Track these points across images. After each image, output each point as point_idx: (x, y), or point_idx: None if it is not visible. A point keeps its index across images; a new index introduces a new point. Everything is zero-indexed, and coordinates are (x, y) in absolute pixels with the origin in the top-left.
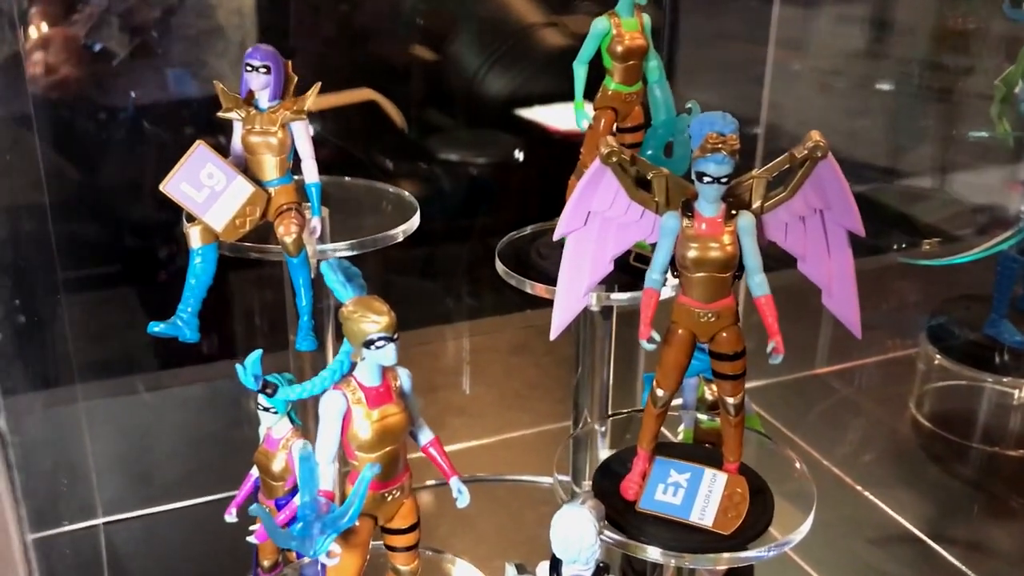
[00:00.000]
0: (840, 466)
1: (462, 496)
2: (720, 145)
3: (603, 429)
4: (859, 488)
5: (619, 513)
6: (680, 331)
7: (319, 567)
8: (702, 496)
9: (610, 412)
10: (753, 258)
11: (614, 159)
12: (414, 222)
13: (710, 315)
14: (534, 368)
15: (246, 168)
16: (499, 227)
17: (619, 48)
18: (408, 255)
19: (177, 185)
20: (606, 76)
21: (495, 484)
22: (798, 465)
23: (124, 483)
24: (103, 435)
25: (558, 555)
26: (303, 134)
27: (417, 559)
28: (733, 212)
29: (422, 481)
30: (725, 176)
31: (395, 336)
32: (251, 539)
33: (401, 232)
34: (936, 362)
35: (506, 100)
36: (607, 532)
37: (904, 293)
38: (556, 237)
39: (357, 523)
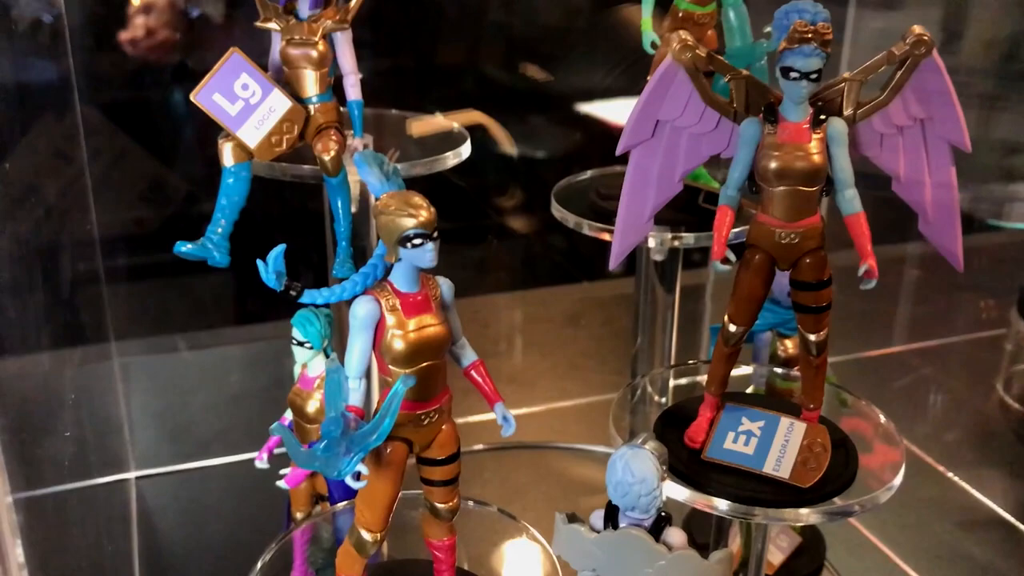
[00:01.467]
0: (921, 446)
1: (507, 424)
2: (809, 35)
3: (665, 381)
4: (941, 469)
5: (683, 463)
6: (758, 255)
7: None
8: (777, 446)
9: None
10: (844, 170)
11: (688, 55)
12: (464, 150)
13: (792, 236)
14: (589, 339)
15: (285, 83)
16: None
17: None
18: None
19: (209, 95)
20: None
21: (546, 451)
22: (883, 419)
23: (159, 439)
24: (140, 391)
25: (615, 502)
26: (346, 46)
27: (456, 497)
28: (822, 117)
29: (470, 445)
30: (815, 72)
31: (435, 234)
32: (281, 483)
33: (451, 156)
34: None
35: None
36: (669, 482)
37: (989, 271)
38: (620, 150)
39: (389, 447)
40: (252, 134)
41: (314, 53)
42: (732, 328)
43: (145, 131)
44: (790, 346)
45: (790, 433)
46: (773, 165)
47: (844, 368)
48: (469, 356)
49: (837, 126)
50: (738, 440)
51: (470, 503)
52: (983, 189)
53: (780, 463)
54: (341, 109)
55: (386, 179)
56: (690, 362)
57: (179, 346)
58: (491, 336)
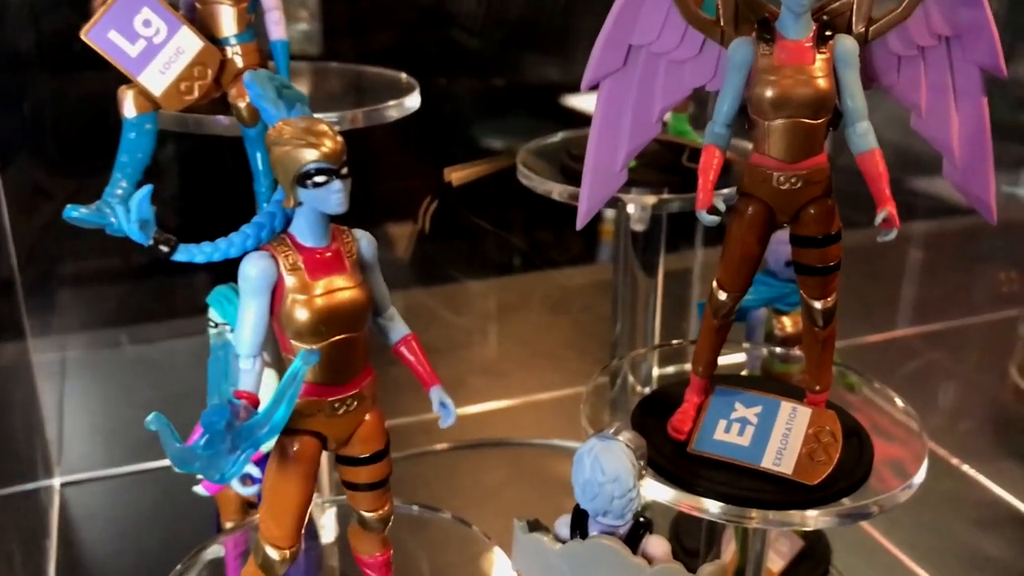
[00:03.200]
0: (932, 437)
1: (446, 411)
2: None
3: (648, 364)
4: (955, 462)
5: (666, 458)
6: (752, 206)
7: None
8: (778, 436)
9: (657, 351)
10: (855, 98)
11: None
12: (411, 101)
13: (794, 179)
14: (571, 327)
15: (198, 22)
16: None
17: None
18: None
19: (103, 33)
20: None
21: (521, 449)
22: (899, 402)
23: (92, 443)
24: (74, 392)
25: (583, 505)
26: None
27: (388, 503)
28: (828, 34)
29: (431, 444)
30: None
31: (343, 170)
32: (198, 489)
33: (395, 108)
34: None
35: None
36: (649, 480)
37: (1001, 247)
38: (586, 83)
39: (295, 443)
40: (156, 79)
41: None
42: (722, 296)
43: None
44: (788, 324)
45: (793, 420)
46: (769, 92)
47: (846, 354)
48: (399, 329)
49: (846, 44)
50: (731, 429)
51: (414, 508)
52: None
53: (782, 456)
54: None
55: (284, 104)
56: (675, 342)
57: (120, 341)
58: (463, 325)
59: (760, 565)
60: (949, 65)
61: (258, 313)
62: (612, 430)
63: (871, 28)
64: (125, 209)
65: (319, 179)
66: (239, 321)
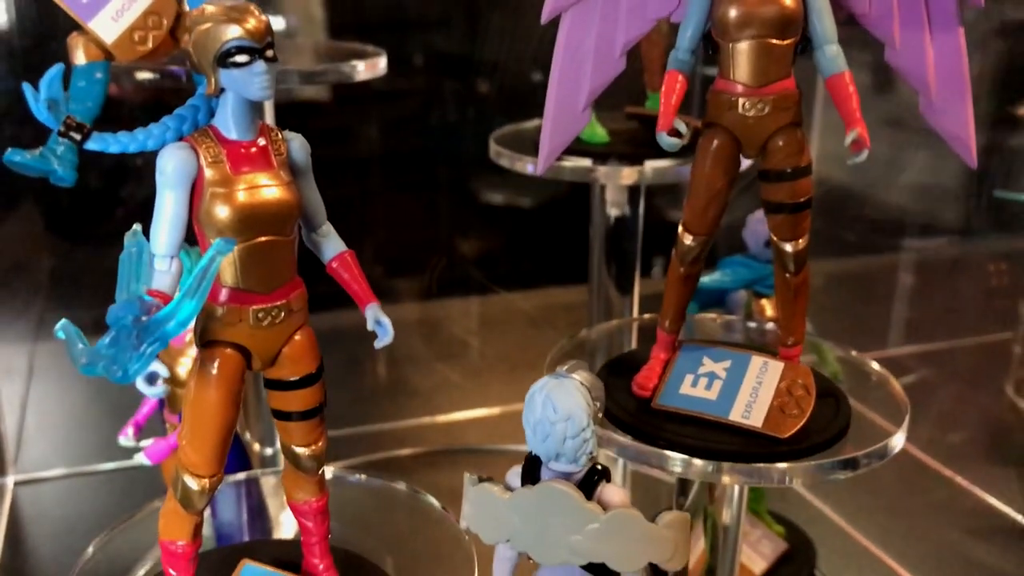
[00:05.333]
0: (926, 450)
1: (381, 329)
2: None
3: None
4: (949, 473)
5: (628, 413)
6: (717, 137)
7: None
8: (747, 389)
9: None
10: (823, 18)
11: None
12: (377, 64)
13: (761, 105)
14: (553, 342)
15: None
16: None
17: None
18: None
19: None
20: None
21: (495, 456)
22: (876, 366)
23: (54, 441)
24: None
25: (534, 449)
26: None
27: (322, 438)
28: None
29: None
30: None
31: (268, 52)
32: (140, 458)
33: (362, 68)
34: None
35: None
36: (611, 434)
37: (995, 276)
38: (545, 15)
39: (216, 355)
40: (108, 27)
41: None
42: (688, 240)
43: None
44: (768, 307)
45: (764, 374)
46: (733, 12)
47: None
48: (335, 245)
49: None
50: (698, 384)
51: (361, 477)
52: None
53: (751, 409)
54: None
55: None
56: (647, 316)
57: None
58: (444, 339)
59: (734, 561)
60: None
61: (175, 208)
62: (566, 368)
63: None
64: (34, 90)
65: (240, 58)
66: (155, 218)
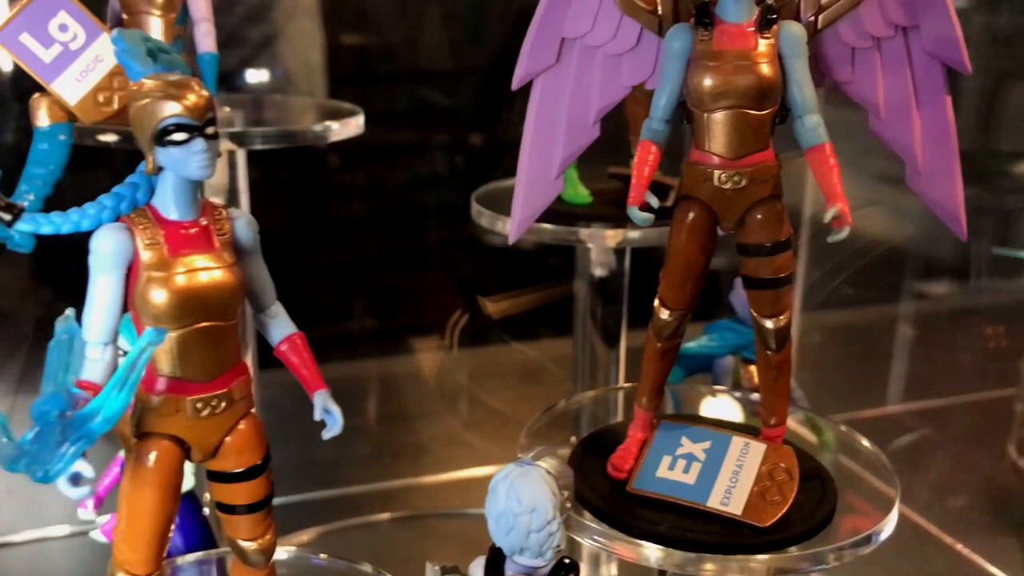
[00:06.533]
0: (925, 515)
1: (330, 418)
2: None
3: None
4: (949, 541)
5: (601, 497)
6: (693, 210)
7: None
8: (727, 473)
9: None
10: (803, 87)
11: None
12: (352, 124)
13: (737, 177)
14: (546, 397)
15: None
16: None
17: None
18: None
19: (14, 35)
20: None
21: (479, 520)
22: (866, 443)
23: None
24: None
25: (498, 542)
26: None
27: (270, 531)
28: (772, 17)
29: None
30: None
31: (208, 129)
32: (95, 535)
33: (334, 128)
34: None
35: None
36: (585, 521)
37: (994, 331)
38: (516, 82)
39: (152, 448)
40: (72, 88)
41: None
42: (664, 314)
43: None
44: (756, 374)
45: (744, 456)
46: (709, 80)
47: None
48: (284, 327)
49: (792, 29)
50: (675, 466)
51: (323, 558)
52: (985, 203)
53: (730, 495)
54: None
55: (152, 61)
56: (626, 384)
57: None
58: (430, 394)
59: None
60: (908, 59)
61: (109, 293)
62: (531, 455)
63: (821, 16)
64: None
65: (179, 136)
66: (87, 303)
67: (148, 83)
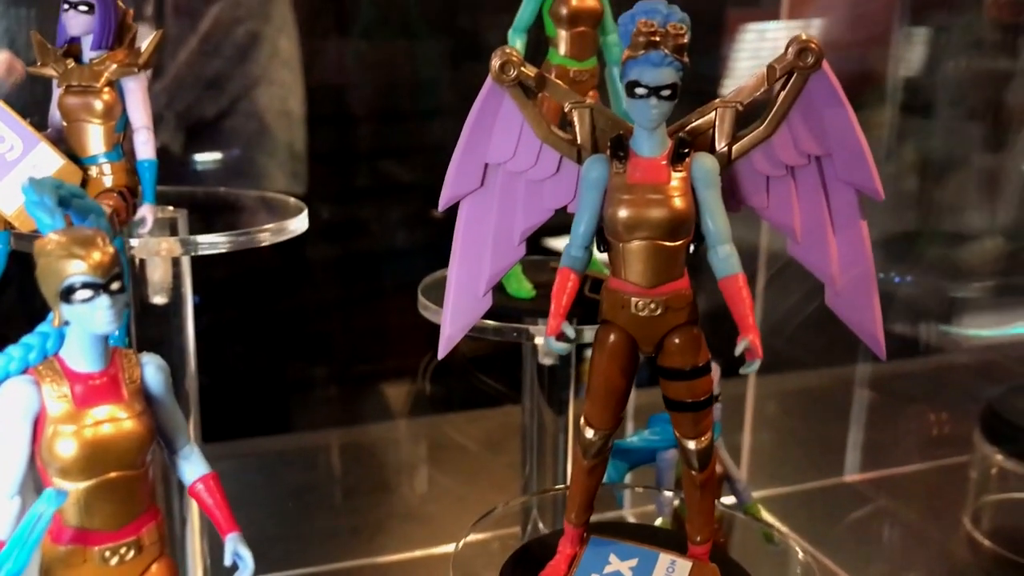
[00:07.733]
0: None
1: (242, 563)
2: (657, 37)
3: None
4: None
5: None
6: (613, 334)
7: None
8: None
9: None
10: (716, 218)
11: (512, 74)
12: (296, 223)
13: (653, 306)
14: (507, 468)
15: (63, 140)
16: None
17: (564, 10)
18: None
19: None
20: (549, 48)
21: None
22: (801, 556)
23: None
24: None
25: None
26: (138, 94)
27: None
28: (684, 151)
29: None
30: (667, 87)
31: (112, 285)
32: None
33: (279, 230)
34: (995, 469)
35: None
36: None
37: (946, 394)
38: (443, 204)
39: None
40: (9, 198)
41: (97, 103)
42: (589, 433)
43: None
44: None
45: (671, 574)
46: (622, 213)
47: (788, 501)
48: (196, 468)
49: (704, 162)
50: None
51: None
52: (930, 284)
53: None
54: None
55: (71, 215)
56: (557, 487)
57: None
58: (391, 466)
59: None
60: (822, 186)
61: (15, 447)
62: None
63: (734, 146)
64: None
65: (83, 294)
66: None
67: (53, 239)
